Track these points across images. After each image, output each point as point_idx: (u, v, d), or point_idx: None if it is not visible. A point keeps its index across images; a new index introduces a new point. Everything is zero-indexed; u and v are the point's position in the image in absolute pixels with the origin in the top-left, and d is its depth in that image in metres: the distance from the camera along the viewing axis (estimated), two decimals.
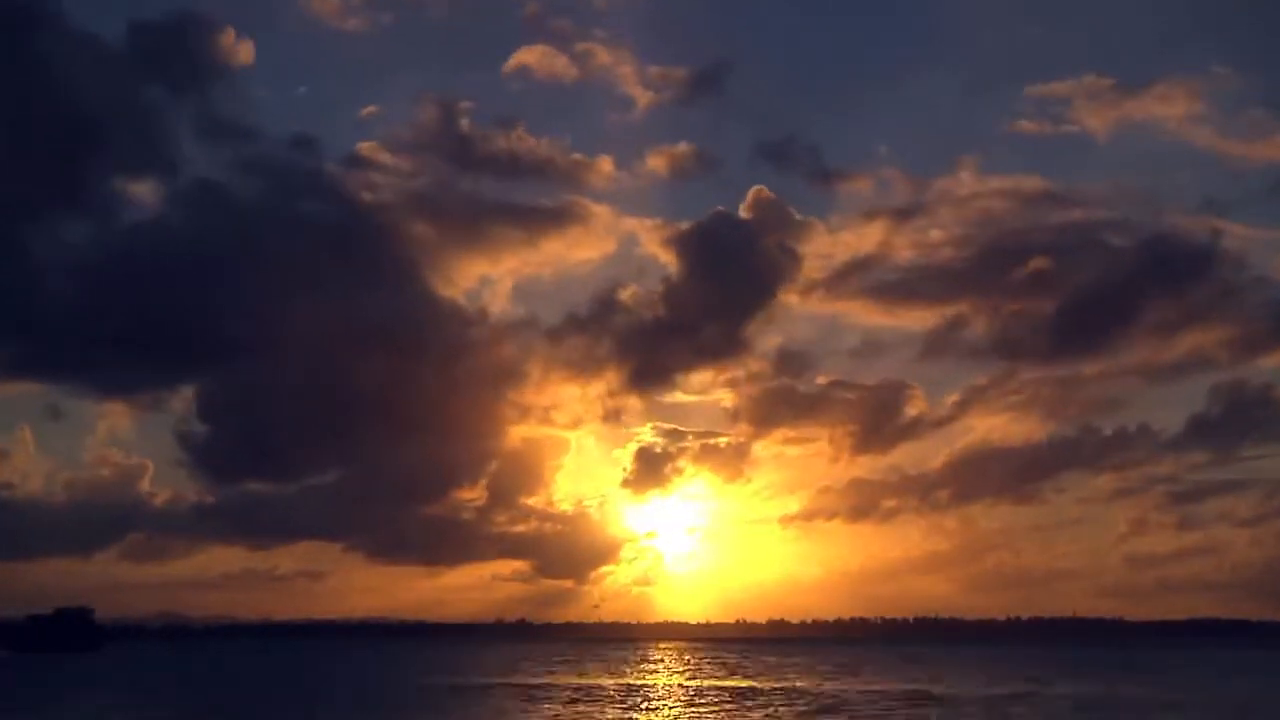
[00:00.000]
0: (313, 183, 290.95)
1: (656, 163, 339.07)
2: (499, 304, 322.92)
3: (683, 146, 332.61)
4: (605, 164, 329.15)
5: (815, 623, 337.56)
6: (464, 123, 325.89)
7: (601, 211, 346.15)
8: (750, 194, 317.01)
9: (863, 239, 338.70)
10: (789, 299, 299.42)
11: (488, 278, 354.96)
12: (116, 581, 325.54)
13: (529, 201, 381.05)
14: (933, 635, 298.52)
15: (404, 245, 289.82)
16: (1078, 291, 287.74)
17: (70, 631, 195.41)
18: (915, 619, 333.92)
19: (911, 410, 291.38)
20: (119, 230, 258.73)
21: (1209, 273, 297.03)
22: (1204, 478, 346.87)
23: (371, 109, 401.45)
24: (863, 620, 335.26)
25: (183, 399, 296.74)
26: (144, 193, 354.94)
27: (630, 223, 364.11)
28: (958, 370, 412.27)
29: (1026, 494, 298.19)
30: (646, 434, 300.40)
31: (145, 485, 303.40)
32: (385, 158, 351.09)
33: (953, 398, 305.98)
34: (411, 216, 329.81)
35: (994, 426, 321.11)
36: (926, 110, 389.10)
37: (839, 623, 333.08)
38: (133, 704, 77.05)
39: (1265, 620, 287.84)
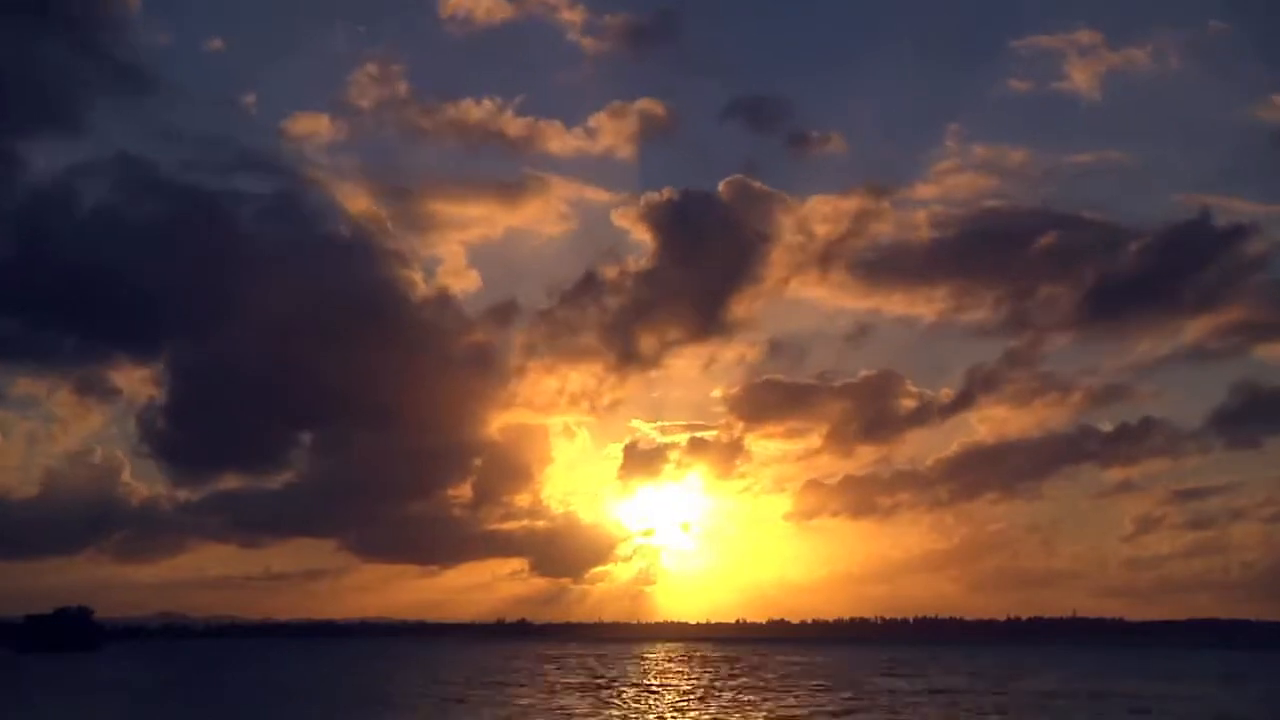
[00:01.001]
0: (240, 152, 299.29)
1: (608, 122, 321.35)
2: (461, 285, 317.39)
3: (640, 104, 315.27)
4: (555, 125, 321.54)
5: (815, 623, 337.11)
6: (401, 86, 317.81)
7: (558, 182, 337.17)
8: (726, 178, 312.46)
9: (845, 214, 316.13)
10: (772, 281, 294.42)
11: (436, 256, 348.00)
12: (100, 580, 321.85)
13: (480, 171, 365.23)
14: (933, 635, 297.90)
15: (347, 220, 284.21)
16: (1075, 276, 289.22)
17: (70, 631, 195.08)
18: (915, 619, 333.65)
19: (907, 402, 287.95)
20: (33, 201, 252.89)
21: (1208, 253, 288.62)
22: (1206, 475, 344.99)
23: (299, 67, 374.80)
24: (863, 620, 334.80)
25: (128, 379, 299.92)
26: (56, 159, 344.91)
27: (591, 193, 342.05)
28: (954, 359, 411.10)
29: (1027, 490, 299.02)
30: (635, 428, 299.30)
31: (125, 478, 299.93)
32: (319, 124, 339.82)
33: (946, 390, 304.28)
34: (350, 189, 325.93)
35: (993, 418, 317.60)
36: (906, 69, 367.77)
37: (839, 623, 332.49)
38: (132, 704, 76.70)
39: (1266, 621, 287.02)
